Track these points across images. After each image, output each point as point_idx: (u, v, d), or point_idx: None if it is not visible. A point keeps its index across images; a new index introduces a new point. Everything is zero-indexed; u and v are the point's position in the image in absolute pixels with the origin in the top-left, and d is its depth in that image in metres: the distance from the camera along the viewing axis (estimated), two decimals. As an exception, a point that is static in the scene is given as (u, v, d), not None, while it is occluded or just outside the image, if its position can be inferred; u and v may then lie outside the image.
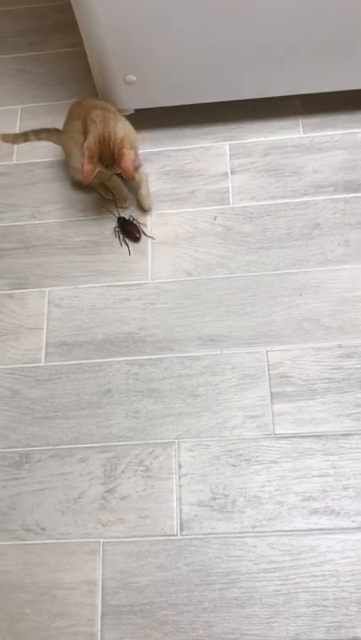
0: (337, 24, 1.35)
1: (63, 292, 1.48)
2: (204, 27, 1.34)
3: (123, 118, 1.42)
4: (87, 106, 1.44)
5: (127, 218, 1.52)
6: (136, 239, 1.50)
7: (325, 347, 1.35)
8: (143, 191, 1.51)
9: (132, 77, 1.45)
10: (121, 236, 1.51)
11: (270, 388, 1.32)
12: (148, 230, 1.51)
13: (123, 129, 1.36)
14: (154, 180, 1.57)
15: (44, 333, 1.44)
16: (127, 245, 1.50)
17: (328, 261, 1.43)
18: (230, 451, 1.28)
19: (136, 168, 1.44)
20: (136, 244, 1.50)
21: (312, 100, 1.60)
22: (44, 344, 1.42)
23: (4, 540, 1.25)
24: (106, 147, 1.33)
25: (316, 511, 1.22)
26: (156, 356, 1.38)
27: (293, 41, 1.39)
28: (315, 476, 1.25)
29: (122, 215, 1.52)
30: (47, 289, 1.48)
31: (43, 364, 1.40)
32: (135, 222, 1.51)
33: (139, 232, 1.49)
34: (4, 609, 1.20)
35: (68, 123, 1.49)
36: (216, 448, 1.29)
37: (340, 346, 1.35)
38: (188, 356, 1.38)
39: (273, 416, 1.30)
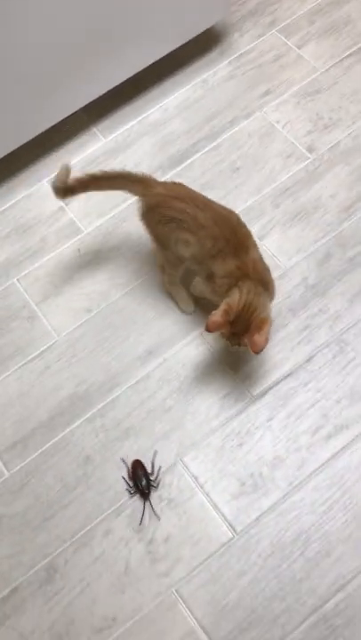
0: (78, 34, 1.39)
1: (-19, 398, 1.36)
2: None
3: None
4: (196, 201, 1.20)
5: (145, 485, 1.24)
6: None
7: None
8: None
9: None
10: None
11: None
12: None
13: (267, 310, 1.16)
14: (-1, 249, 1.51)
15: (-10, 446, 1.32)
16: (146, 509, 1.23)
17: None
18: (228, 435, 1.28)
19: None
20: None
21: (92, 109, 1.62)
22: (-4, 456, 1.31)
23: (85, 655, 1.14)
24: (245, 315, 1.13)
25: (329, 435, 1.26)
26: (110, 399, 1.33)
27: (47, 66, 1.40)
28: (308, 408, 1.29)
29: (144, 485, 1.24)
30: None
31: (7, 474, 1.28)
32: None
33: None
34: None
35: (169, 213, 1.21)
36: (215, 440, 1.28)
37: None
38: (138, 381, 1.34)
39: (243, 382, 1.32)
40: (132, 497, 1.24)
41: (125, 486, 1.25)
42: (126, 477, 1.26)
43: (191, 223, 1.18)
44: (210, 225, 1.17)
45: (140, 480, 1.23)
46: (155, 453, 1.27)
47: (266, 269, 1.21)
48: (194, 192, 1.24)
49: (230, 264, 1.17)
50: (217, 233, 1.17)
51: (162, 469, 1.26)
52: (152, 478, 1.25)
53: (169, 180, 1.30)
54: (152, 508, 1.23)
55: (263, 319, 1.13)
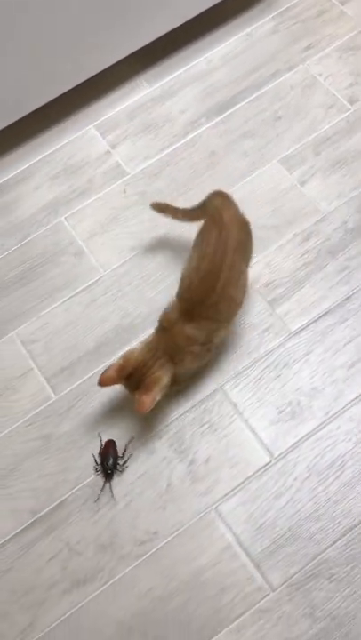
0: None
1: (30, 326, 1.42)
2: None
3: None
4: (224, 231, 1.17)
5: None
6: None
7: (285, 242, 1.44)
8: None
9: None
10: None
11: (265, 298, 1.39)
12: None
13: (166, 373, 1.16)
14: (47, 188, 1.56)
15: (38, 372, 1.37)
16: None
17: (242, 176, 1.52)
18: (267, 367, 1.33)
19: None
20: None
21: (138, 58, 1.66)
22: (44, 381, 1.36)
23: (129, 565, 1.20)
24: (139, 372, 1.15)
25: (365, 370, 1.31)
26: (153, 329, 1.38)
27: (95, 13, 1.44)
28: (346, 344, 1.34)
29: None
30: (13, 332, 1.41)
31: (55, 397, 1.35)
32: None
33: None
34: (171, 621, 1.16)
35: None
36: (255, 372, 1.33)
37: (295, 235, 1.45)
38: (180, 314, 1.39)
39: (282, 318, 1.37)
40: (96, 474, 1.27)
41: (94, 463, 1.27)
42: (96, 454, 1.28)
43: (195, 256, 1.18)
44: (194, 276, 1.16)
45: (108, 460, 1.26)
46: (131, 439, 1.29)
47: (194, 356, 1.19)
48: (233, 242, 1.16)
49: (172, 317, 1.17)
50: (191, 287, 1.16)
51: (131, 456, 1.27)
52: (120, 462, 1.27)
53: (233, 199, 1.26)
54: (111, 491, 1.25)
55: (155, 379, 1.13)
